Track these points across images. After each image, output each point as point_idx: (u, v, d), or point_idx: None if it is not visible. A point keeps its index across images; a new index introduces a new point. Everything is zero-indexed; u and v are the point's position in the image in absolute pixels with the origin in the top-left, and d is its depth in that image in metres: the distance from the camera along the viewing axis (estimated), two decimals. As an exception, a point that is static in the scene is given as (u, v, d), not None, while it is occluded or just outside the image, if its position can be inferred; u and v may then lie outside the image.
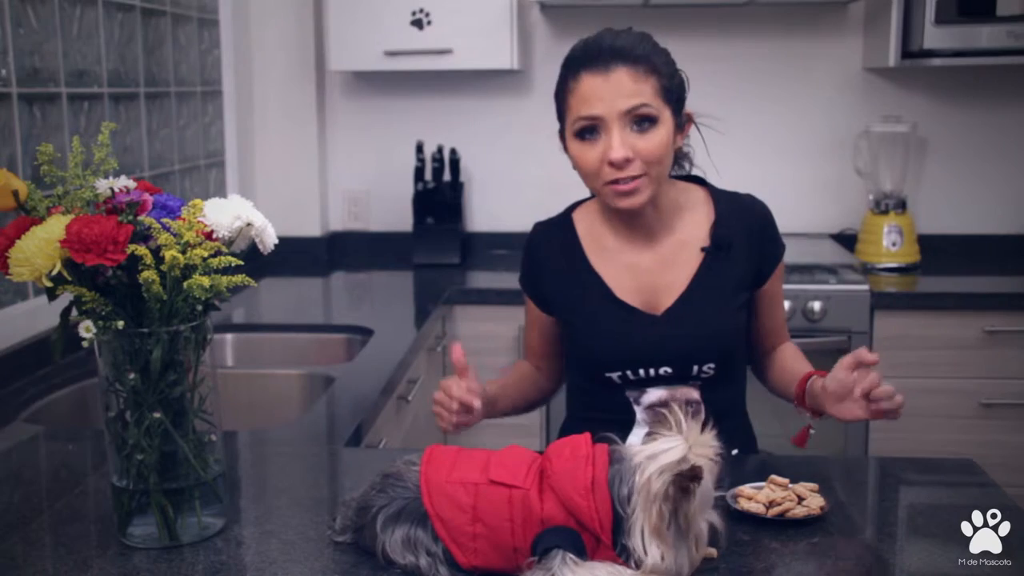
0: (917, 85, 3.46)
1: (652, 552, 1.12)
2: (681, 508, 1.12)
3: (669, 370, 1.63)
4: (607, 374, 1.65)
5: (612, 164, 1.54)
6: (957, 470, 1.60)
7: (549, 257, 1.73)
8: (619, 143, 1.53)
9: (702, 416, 1.64)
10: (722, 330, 1.64)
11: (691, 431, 1.16)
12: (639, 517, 1.13)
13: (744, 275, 1.67)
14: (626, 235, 1.68)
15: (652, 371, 1.63)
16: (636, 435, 1.63)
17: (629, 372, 1.64)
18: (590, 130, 1.56)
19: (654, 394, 1.65)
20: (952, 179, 3.51)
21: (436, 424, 1.56)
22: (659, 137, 1.55)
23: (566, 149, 1.63)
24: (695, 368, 1.63)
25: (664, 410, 1.19)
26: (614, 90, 1.53)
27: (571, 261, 1.70)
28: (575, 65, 1.57)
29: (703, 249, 1.65)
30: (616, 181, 1.55)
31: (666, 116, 1.56)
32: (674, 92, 1.58)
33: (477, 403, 1.52)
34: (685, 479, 1.11)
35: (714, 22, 3.47)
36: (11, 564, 1.26)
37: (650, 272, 1.66)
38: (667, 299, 1.65)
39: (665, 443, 1.15)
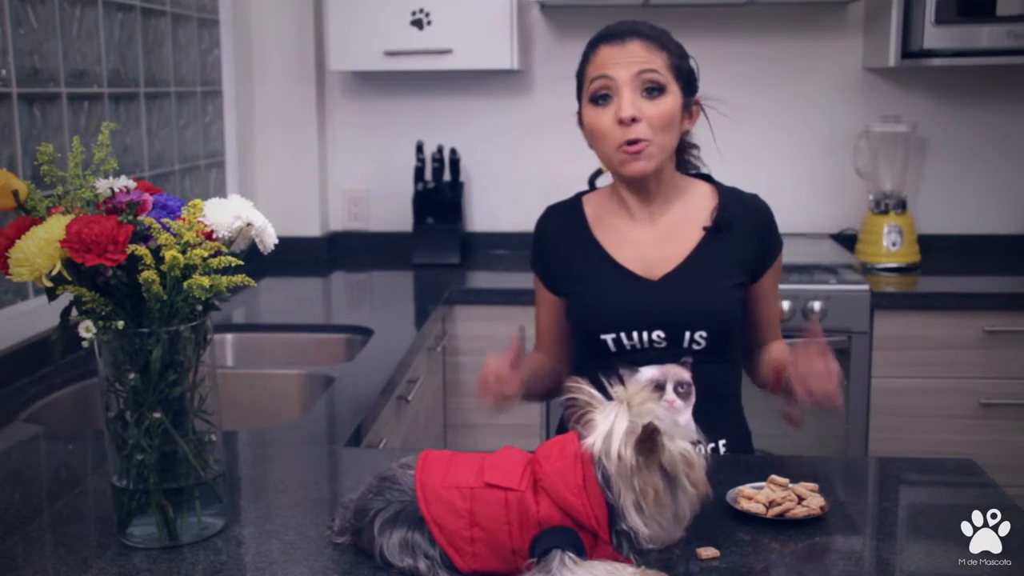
0: (917, 85, 3.46)
1: (647, 524, 1.14)
2: (661, 462, 1.13)
3: (662, 335, 1.68)
4: (602, 336, 1.70)
5: (621, 122, 1.65)
6: (957, 470, 1.60)
7: (557, 234, 1.81)
8: (628, 103, 1.65)
9: (692, 398, 1.67)
10: (714, 301, 1.70)
11: (624, 391, 1.18)
12: (628, 496, 1.14)
13: (741, 260, 1.73)
14: (631, 213, 1.76)
15: (645, 336, 1.68)
16: None
17: (623, 335, 1.69)
18: (603, 96, 1.68)
19: (647, 372, 1.68)
20: (952, 179, 3.51)
21: (477, 402, 1.60)
22: (666, 105, 1.66)
23: (582, 125, 1.74)
24: (687, 336, 1.68)
25: (571, 397, 1.21)
26: (627, 56, 1.66)
27: (577, 236, 1.79)
28: (595, 41, 1.72)
29: (704, 228, 1.73)
30: (624, 146, 1.66)
31: (674, 89, 1.68)
32: (684, 72, 1.70)
33: (511, 388, 1.57)
34: (645, 442, 1.13)
35: (714, 22, 3.47)
36: (11, 564, 1.26)
37: (651, 245, 1.74)
38: (666, 268, 1.73)
39: (608, 416, 1.16)
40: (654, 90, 1.65)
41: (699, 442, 1.19)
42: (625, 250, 1.74)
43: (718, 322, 1.69)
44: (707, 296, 1.69)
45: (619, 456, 1.14)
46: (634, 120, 1.64)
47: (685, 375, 1.68)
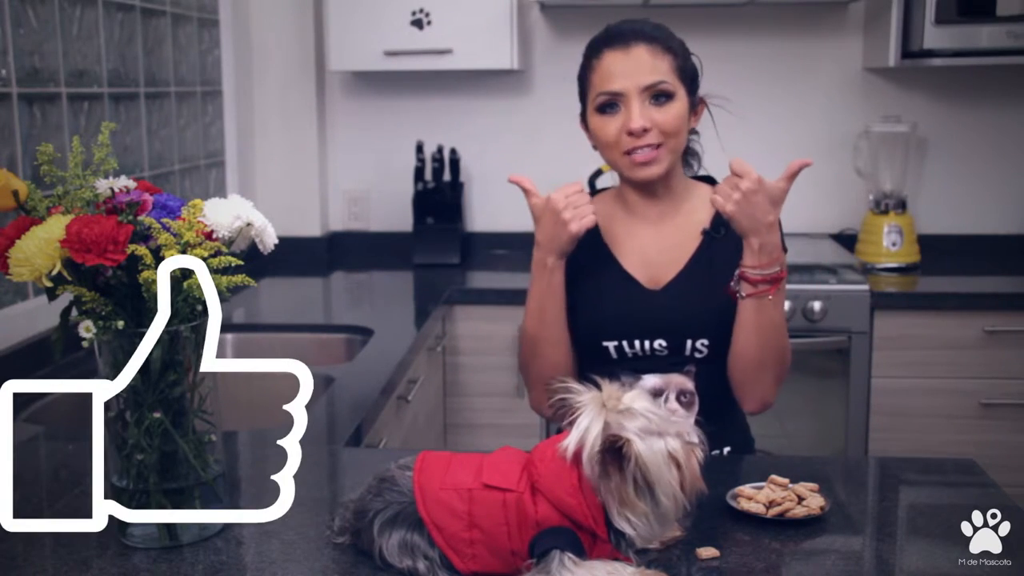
0: (917, 85, 3.46)
1: (630, 526, 1.13)
2: (629, 472, 1.13)
3: (664, 343, 1.69)
4: (604, 343, 1.70)
5: (631, 133, 1.64)
6: (957, 470, 1.60)
7: None
8: (638, 113, 1.63)
9: (695, 407, 1.67)
10: (715, 308, 1.69)
11: (604, 391, 1.17)
12: (607, 498, 1.14)
13: (740, 259, 1.70)
14: (638, 216, 1.76)
15: (647, 343, 1.69)
16: None
17: (625, 343, 1.70)
18: (611, 105, 1.66)
19: (649, 381, 1.67)
20: (952, 179, 3.51)
21: (568, 231, 1.64)
22: (676, 110, 1.66)
23: (586, 127, 1.73)
24: (689, 344, 1.69)
25: (561, 398, 1.20)
26: (634, 66, 1.64)
27: (587, 234, 1.75)
28: (598, 46, 1.69)
29: (703, 231, 1.74)
30: (634, 152, 1.65)
31: (682, 93, 1.67)
32: (688, 73, 1.69)
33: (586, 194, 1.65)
34: (608, 454, 1.12)
35: (714, 22, 3.47)
36: (11, 564, 1.26)
37: (656, 251, 1.74)
38: (668, 276, 1.73)
39: (583, 421, 1.15)
40: (662, 96, 1.65)
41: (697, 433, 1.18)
42: (631, 255, 1.74)
43: (719, 330, 1.69)
44: (707, 303, 1.69)
45: (592, 463, 1.13)
46: (645, 130, 1.63)
47: (688, 384, 1.67)
